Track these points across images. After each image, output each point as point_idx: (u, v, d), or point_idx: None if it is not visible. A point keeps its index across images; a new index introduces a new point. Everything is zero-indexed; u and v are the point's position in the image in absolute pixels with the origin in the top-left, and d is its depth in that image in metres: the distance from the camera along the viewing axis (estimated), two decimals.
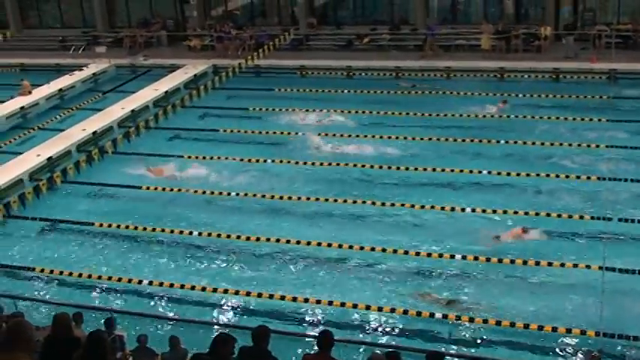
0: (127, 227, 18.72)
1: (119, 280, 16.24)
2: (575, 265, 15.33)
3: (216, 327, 14.07)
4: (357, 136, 23.81)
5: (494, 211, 17.96)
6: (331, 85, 29.63)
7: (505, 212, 17.86)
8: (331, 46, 34.68)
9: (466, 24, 34.22)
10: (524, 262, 15.68)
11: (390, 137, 23.41)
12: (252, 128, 25.30)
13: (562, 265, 15.44)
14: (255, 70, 32.36)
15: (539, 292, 14.88)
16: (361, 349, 13.25)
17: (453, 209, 18.31)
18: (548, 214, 17.70)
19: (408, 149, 22.65)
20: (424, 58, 31.49)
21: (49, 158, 22.93)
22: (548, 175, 19.83)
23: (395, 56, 32.11)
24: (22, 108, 28.74)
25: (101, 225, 18.94)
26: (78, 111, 28.96)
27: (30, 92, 29.88)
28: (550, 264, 15.53)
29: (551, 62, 29.26)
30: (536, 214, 17.71)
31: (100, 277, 16.42)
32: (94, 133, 25.13)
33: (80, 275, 16.59)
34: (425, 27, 33.01)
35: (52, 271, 16.82)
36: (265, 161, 22.42)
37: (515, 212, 17.77)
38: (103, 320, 13.04)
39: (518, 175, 20.01)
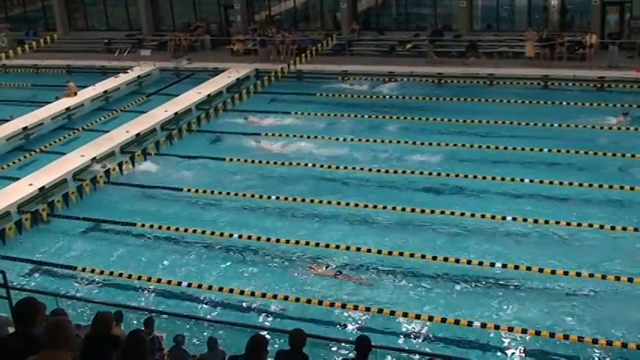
0: (168, 228, 18.90)
1: (159, 280, 16.40)
2: None
3: (253, 329, 14.11)
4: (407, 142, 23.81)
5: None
6: (373, 91, 29.68)
7: None
8: (373, 52, 34.66)
9: (510, 31, 33.97)
10: None
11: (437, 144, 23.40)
12: (294, 132, 25.38)
13: None
14: (297, 75, 32.47)
15: None
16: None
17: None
18: None
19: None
20: (429, 65, 31.68)
21: (93, 159, 23.27)
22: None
23: (437, 62, 32.01)
24: (67, 109, 29.25)
25: (143, 225, 19.16)
26: (122, 113, 29.35)
27: (75, 94, 30.37)
28: None
29: (595, 71, 28.90)
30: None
31: (139, 278, 16.60)
32: (138, 134, 25.46)
33: (121, 275, 16.80)
34: (467, 33, 32.88)
35: (93, 270, 17.06)
36: (306, 165, 22.50)
37: None
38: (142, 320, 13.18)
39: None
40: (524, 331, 13.74)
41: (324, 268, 16.49)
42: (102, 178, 21.71)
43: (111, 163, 23.04)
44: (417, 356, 13.42)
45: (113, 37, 39.97)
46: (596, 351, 13.20)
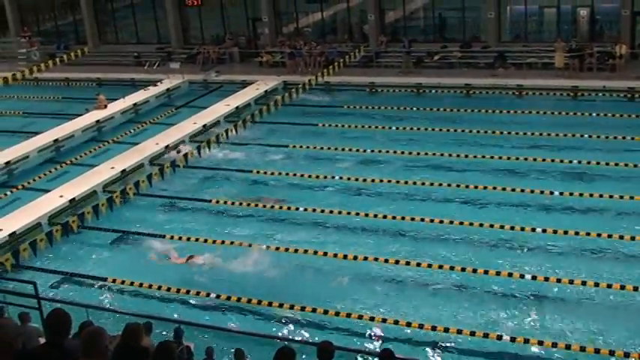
0: (196, 240, 18.95)
1: (187, 292, 16.45)
2: None
3: (281, 341, 14.10)
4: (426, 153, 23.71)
5: None
6: (400, 103, 29.65)
7: None
8: (401, 64, 34.59)
9: (539, 42, 33.78)
10: None
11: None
12: (322, 144, 25.42)
13: None
14: (324, 87, 32.53)
15: None
16: None
17: None
18: None
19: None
20: (403, 75, 32.02)
21: (123, 171, 23.46)
22: None
23: (465, 74, 31.91)
24: (97, 121, 29.53)
25: (172, 237, 19.22)
26: (151, 125, 29.54)
27: (105, 106, 30.67)
28: None
29: (625, 81, 28.65)
30: None
31: (169, 289, 16.66)
32: (167, 147, 25.61)
33: (150, 286, 16.86)
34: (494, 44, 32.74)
35: (123, 282, 17.17)
36: (334, 178, 22.46)
37: None
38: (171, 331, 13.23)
39: None
40: (554, 345, 13.57)
41: (177, 256, 17.96)
42: (132, 189, 21.85)
43: (140, 175, 23.20)
44: None
45: (143, 51, 40.38)
46: None
